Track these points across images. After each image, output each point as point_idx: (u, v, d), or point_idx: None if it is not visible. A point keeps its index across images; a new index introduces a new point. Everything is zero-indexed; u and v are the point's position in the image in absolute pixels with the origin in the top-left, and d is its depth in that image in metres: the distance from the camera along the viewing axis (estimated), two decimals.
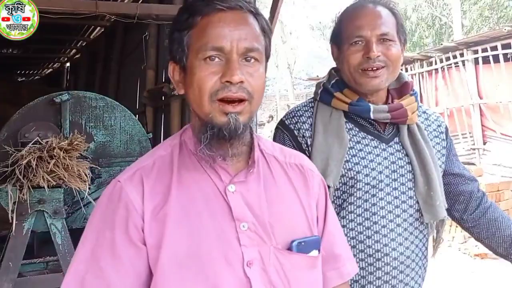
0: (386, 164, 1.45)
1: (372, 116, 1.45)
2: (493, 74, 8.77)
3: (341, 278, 1.15)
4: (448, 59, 9.70)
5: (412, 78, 10.63)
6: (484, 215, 1.61)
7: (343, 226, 1.41)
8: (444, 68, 9.84)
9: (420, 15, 18.61)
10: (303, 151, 1.41)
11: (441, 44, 11.23)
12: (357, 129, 1.48)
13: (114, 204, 1.00)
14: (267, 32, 1.07)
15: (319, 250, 1.09)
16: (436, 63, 10.02)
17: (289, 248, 1.04)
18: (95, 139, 3.84)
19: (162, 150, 1.08)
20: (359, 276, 1.42)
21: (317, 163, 1.39)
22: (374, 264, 1.42)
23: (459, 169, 1.63)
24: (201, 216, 1.00)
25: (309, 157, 1.41)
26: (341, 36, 1.47)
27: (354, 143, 1.45)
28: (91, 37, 9.09)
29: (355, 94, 1.47)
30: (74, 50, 10.74)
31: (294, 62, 24.69)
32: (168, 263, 0.96)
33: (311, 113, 1.50)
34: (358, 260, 1.41)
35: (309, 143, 1.45)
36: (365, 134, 1.48)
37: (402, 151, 1.48)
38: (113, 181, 1.04)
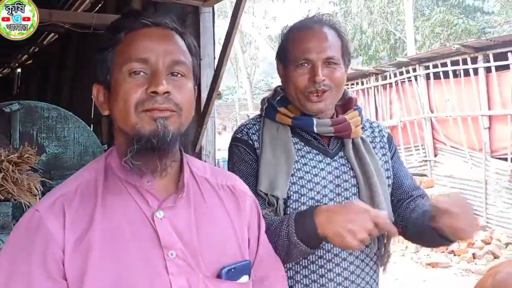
0: (330, 178, 1.45)
1: (315, 130, 1.46)
2: (443, 89, 9.12)
3: None
4: (401, 73, 10.01)
5: (368, 91, 10.92)
6: (413, 210, 1.47)
7: None
8: (398, 82, 10.15)
9: (375, 29, 19.13)
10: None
11: (395, 59, 11.60)
12: (302, 144, 1.49)
13: (31, 235, 0.92)
14: (193, 51, 1.05)
15: (249, 275, 1.07)
16: (390, 77, 10.32)
17: (219, 276, 1.01)
18: (47, 151, 3.70)
19: (86, 174, 1.02)
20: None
21: (265, 177, 1.40)
22: (325, 275, 1.41)
23: (407, 180, 1.57)
24: (127, 245, 0.94)
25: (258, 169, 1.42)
26: (287, 56, 1.47)
27: (298, 157, 1.46)
28: (44, 43, 8.81)
29: (300, 110, 1.48)
30: (25, 56, 10.38)
31: (253, 72, 24.81)
32: None
33: (259, 127, 1.51)
34: (302, 276, 1.41)
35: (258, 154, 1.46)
36: (309, 148, 1.49)
37: (347, 165, 1.48)
38: (31, 209, 0.96)
